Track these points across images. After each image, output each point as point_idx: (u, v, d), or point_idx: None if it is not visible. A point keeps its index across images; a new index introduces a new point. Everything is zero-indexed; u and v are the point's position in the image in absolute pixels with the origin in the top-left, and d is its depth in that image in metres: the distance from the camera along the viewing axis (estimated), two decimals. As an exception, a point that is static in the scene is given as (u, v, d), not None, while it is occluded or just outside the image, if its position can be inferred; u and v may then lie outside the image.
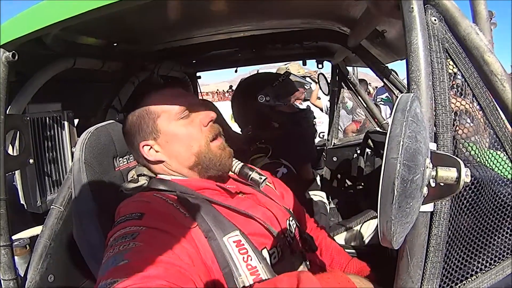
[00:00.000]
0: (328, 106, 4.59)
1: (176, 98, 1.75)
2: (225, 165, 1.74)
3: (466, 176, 0.87)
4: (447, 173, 0.88)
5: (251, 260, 1.43)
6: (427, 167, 0.87)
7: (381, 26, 1.96)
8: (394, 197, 0.74)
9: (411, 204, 0.80)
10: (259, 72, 4.35)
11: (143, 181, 1.73)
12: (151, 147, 1.72)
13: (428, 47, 1.07)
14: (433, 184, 0.90)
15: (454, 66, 1.12)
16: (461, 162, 0.89)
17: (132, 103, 1.89)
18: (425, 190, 0.88)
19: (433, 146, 1.00)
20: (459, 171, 0.87)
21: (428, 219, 1.04)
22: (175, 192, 1.58)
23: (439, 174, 0.88)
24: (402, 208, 0.77)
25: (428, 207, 1.01)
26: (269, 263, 1.50)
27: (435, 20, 1.10)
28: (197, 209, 1.50)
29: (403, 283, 1.06)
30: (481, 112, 1.16)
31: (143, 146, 1.72)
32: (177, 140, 1.70)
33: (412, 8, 1.05)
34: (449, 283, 1.12)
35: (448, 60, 1.12)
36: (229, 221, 1.52)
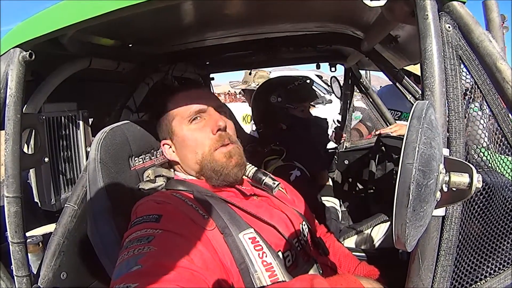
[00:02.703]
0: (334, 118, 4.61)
1: (190, 100, 1.77)
2: (229, 175, 1.69)
3: (478, 181, 0.88)
4: (460, 179, 0.89)
5: (266, 256, 1.44)
6: (440, 173, 0.88)
7: (395, 31, 1.97)
8: (410, 201, 0.75)
9: (424, 208, 0.82)
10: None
11: (161, 181, 1.75)
12: (170, 146, 1.78)
13: (442, 54, 1.08)
14: (445, 189, 0.91)
15: (467, 73, 1.13)
16: (473, 168, 0.90)
17: (153, 102, 1.92)
18: (438, 194, 0.89)
19: (446, 151, 1.01)
20: (471, 177, 0.89)
21: (439, 223, 1.05)
22: (192, 192, 1.59)
23: (452, 179, 0.89)
24: (417, 211, 0.79)
25: (440, 212, 1.03)
26: (284, 265, 1.51)
27: (449, 27, 1.11)
28: (214, 208, 1.52)
29: (414, 285, 1.08)
30: (493, 118, 1.16)
31: (163, 144, 1.79)
32: (185, 144, 1.73)
33: (427, 15, 1.07)
34: (459, 287, 1.13)
35: (461, 66, 1.13)
36: (244, 220, 1.54)
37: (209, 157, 1.68)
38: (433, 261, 1.07)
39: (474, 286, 1.15)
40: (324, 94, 10.31)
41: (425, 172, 0.78)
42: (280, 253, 1.55)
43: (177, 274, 1.15)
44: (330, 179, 3.24)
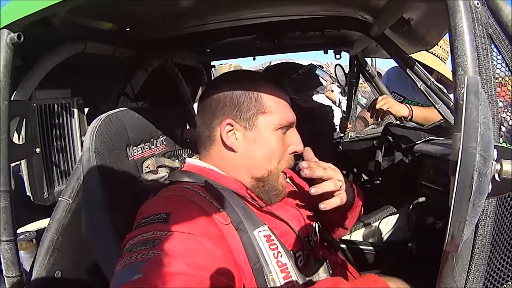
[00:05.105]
0: (341, 99, 4.54)
1: (287, 108, 1.64)
2: (275, 200, 1.62)
3: (528, 171, 0.78)
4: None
5: (281, 256, 1.36)
6: (494, 160, 0.77)
7: (408, 14, 1.88)
8: (472, 193, 0.65)
9: (481, 201, 0.71)
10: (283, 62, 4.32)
11: (163, 172, 1.65)
12: (234, 131, 1.56)
13: (473, 31, 0.99)
14: (498, 179, 0.80)
15: (498, 53, 1.06)
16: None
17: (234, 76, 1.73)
18: (490, 186, 0.79)
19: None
20: (521, 165, 0.78)
21: (475, 218, 0.97)
22: (203, 183, 1.47)
23: (504, 168, 0.78)
24: (475, 206, 0.68)
25: (478, 206, 0.95)
26: (296, 265, 1.43)
27: (477, 3, 1.03)
28: (228, 201, 1.41)
29: (446, 286, 1.00)
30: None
31: (227, 124, 1.55)
32: (264, 146, 1.56)
33: (454, -11, 0.98)
34: (490, 286, 1.08)
35: (492, 46, 1.05)
36: (257, 216, 1.44)
37: (276, 173, 1.58)
38: (467, 260, 0.99)
39: (505, 285, 1.09)
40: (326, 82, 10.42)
41: (486, 159, 0.68)
42: (292, 253, 1.47)
43: (183, 283, 1.06)
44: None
